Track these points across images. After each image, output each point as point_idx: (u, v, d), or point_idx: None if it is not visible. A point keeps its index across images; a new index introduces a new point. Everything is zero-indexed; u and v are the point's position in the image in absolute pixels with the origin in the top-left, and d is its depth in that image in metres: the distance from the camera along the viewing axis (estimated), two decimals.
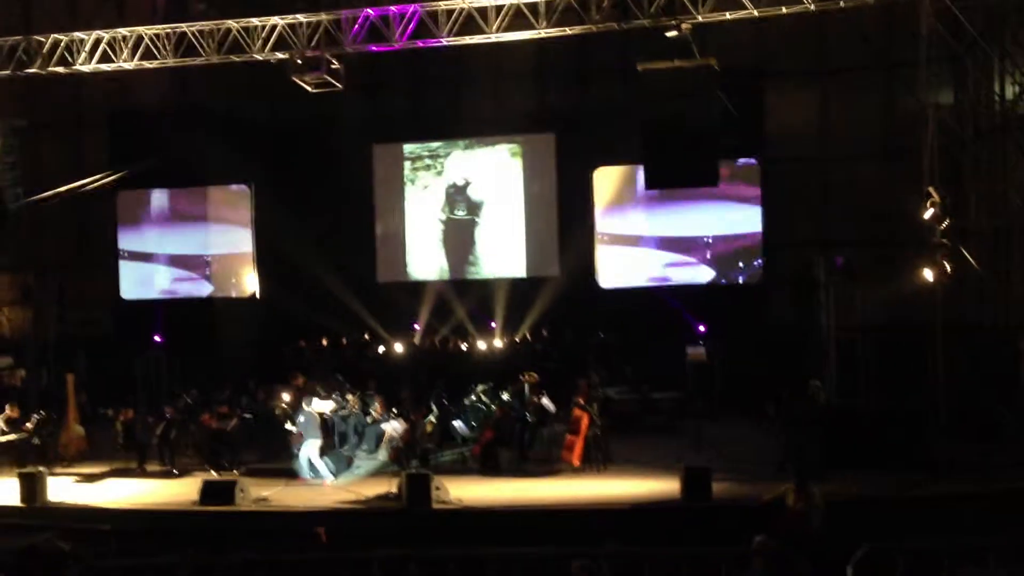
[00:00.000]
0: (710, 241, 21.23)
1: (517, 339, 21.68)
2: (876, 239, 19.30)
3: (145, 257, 23.80)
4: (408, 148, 23.02)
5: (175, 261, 23.71)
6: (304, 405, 15.44)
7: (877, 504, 12.28)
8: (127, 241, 23.84)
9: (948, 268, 14.78)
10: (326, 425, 15.83)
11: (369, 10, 16.55)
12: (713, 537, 9.68)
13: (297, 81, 16.97)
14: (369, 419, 16.36)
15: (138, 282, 23.86)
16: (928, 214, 14.85)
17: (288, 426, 15.75)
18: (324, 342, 22.14)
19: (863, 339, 16.39)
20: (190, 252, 23.66)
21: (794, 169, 20.86)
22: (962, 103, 17.81)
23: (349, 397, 16.76)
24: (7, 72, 18.12)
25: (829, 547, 8.16)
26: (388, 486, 13.98)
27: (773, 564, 6.94)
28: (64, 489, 14.84)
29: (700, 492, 12.61)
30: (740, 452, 15.33)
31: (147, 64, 17.68)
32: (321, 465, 15.08)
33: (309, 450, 15.08)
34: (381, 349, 21.91)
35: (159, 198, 23.81)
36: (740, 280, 21.17)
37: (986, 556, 6.56)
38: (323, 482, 14.94)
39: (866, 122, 20.68)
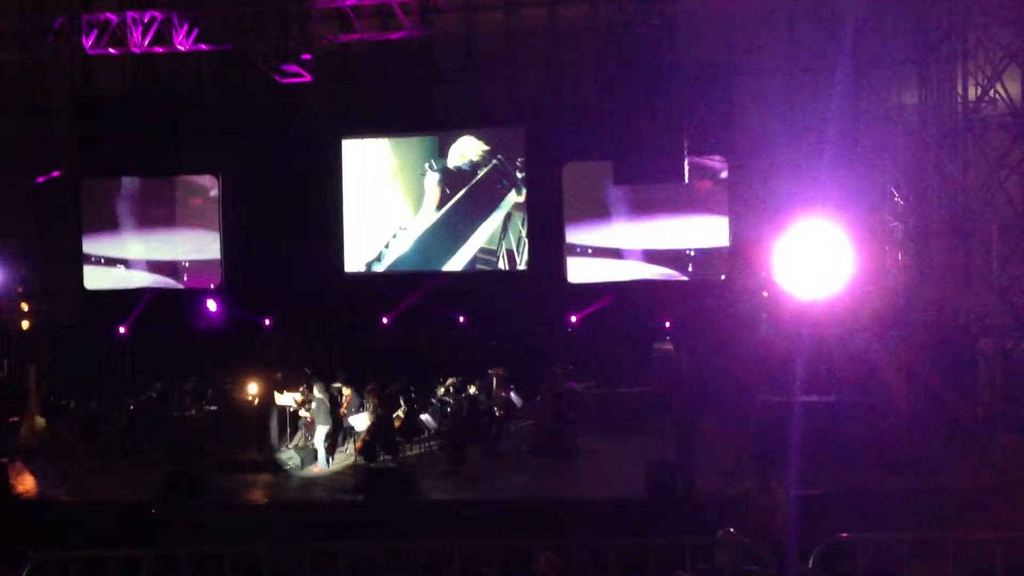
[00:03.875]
0: (692, 254, 21.34)
1: (485, 333, 21.69)
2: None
3: (114, 262, 23.49)
4: (378, 139, 22.91)
5: (148, 266, 23.40)
6: (274, 397, 15.42)
7: (839, 498, 12.44)
8: (95, 246, 23.51)
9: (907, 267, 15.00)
10: (335, 410, 15.83)
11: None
12: (678, 531, 9.76)
13: (266, 70, 16.86)
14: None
15: (105, 279, 23.57)
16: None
17: (302, 413, 15.69)
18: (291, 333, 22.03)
19: (827, 335, 16.55)
20: (162, 258, 23.37)
21: (761, 164, 21.01)
22: (926, 104, 18.03)
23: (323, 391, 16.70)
24: None
25: (792, 540, 8.27)
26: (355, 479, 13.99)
27: (737, 556, 7.02)
28: (25, 481, 14.67)
29: (664, 486, 12.71)
30: (706, 446, 15.45)
31: (113, 51, 17.48)
32: (322, 451, 15.18)
33: (319, 435, 15.16)
34: (349, 342, 21.83)
35: (126, 199, 23.44)
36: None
37: (945, 549, 6.67)
38: (316, 467, 15.08)
39: (833, 119, 20.86)
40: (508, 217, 22.21)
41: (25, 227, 23.71)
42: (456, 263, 22.49)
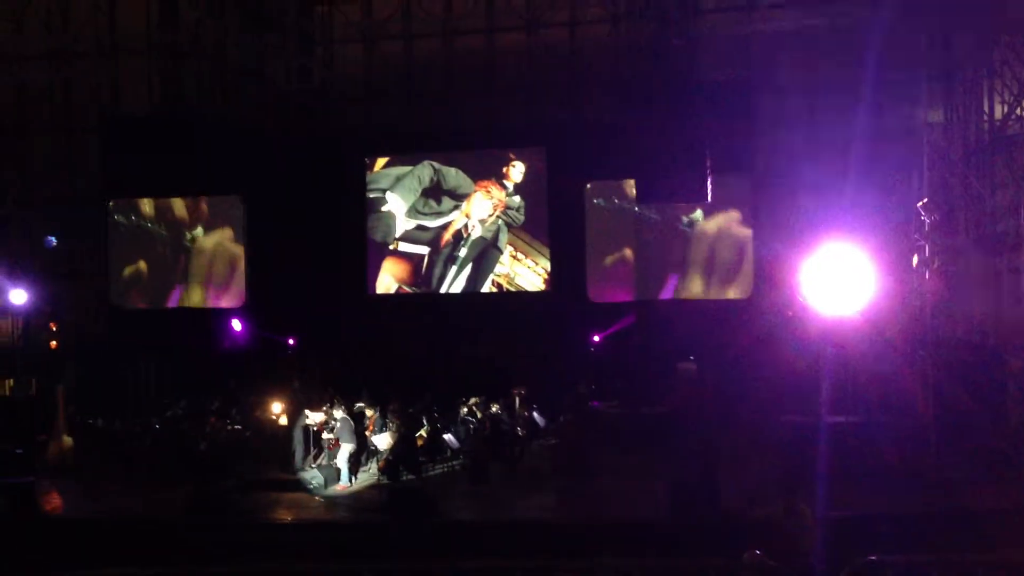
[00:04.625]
0: (714, 281, 21.27)
1: (508, 353, 21.65)
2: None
3: (141, 286, 23.71)
4: (400, 159, 22.98)
5: (175, 294, 23.58)
6: (299, 416, 15.48)
7: (867, 520, 12.29)
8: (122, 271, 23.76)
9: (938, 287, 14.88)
10: (361, 430, 15.85)
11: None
12: (702, 552, 9.67)
13: (288, 90, 17.03)
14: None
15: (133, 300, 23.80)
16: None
17: (325, 435, 15.75)
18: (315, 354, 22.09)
19: (853, 355, 16.40)
20: (189, 284, 23.54)
21: (785, 182, 20.92)
22: (951, 122, 17.93)
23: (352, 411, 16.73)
24: None
25: (819, 562, 8.18)
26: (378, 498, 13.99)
27: None
28: (52, 500, 14.76)
29: (688, 507, 12.60)
30: (730, 466, 15.33)
31: (139, 72, 17.74)
32: (345, 471, 15.24)
33: (343, 455, 15.21)
34: (372, 361, 21.84)
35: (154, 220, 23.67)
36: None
37: (974, 571, 6.59)
38: (340, 486, 15.12)
39: (858, 137, 20.75)
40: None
41: (54, 247, 23.96)
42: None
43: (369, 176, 22.86)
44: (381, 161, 22.89)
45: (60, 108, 23.75)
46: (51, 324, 21.83)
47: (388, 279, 22.86)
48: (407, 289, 22.75)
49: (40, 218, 22.92)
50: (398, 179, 22.71)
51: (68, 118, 24.04)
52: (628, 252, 21.69)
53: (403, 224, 22.73)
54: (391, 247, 22.77)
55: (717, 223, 21.08)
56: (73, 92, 22.93)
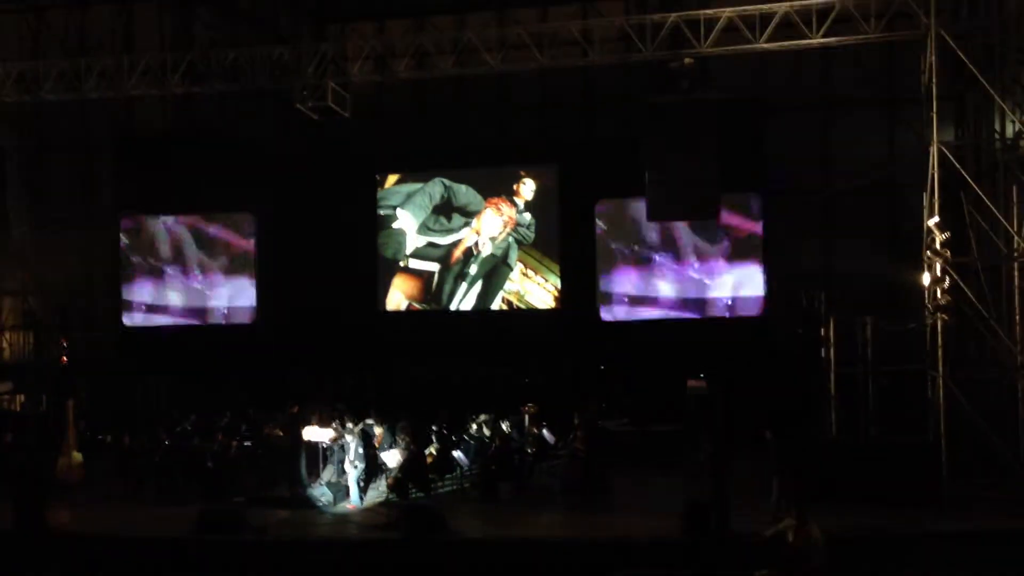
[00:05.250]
0: (731, 303, 21.19)
1: (518, 370, 21.63)
2: (880, 275, 19.26)
3: (154, 309, 23.74)
4: (411, 176, 23.03)
5: (188, 313, 23.58)
6: (303, 433, 15.47)
7: (876, 540, 12.22)
8: (134, 293, 23.83)
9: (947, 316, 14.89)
10: (371, 449, 15.86)
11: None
12: (713, 571, 9.64)
13: (301, 109, 17.12)
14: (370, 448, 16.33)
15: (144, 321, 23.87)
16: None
17: (334, 452, 15.72)
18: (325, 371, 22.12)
19: (865, 374, 16.34)
20: (201, 305, 23.58)
21: (796, 202, 20.91)
22: (963, 140, 17.89)
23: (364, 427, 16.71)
24: (15, 98, 18.30)
25: None
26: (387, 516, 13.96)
27: None
28: (61, 515, 14.77)
29: (701, 526, 12.54)
30: (742, 485, 15.25)
31: (154, 92, 17.88)
32: (354, 488, 15.20)
33: (351, 473, 15.19)
34: (381, 378, 21.86)
35: (166, 245, 23.72)
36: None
37: None
38: (349, 504, 15.09)
39: (867, 157, 20.76)
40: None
41: (65, 264, 24.09)
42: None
43: (380, 193, 22.91)
44: (392, 178, 22.95)
45: (75, 128, 23.94)
46: (62, 340, 21.88)
47: (399, 296, 22.86)
48: (417, 306, 22.75)
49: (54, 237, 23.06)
50: (409, 196, 22.76)
51: (83, 138, 24.24)
52: (637, 269, 21.67)
53: (414, 241, 22.75)
54: (401, 264, 22.80)
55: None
56: (87, 112, 23.11)
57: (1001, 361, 15.66)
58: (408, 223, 22.78)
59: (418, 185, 22.75)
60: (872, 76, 20.13)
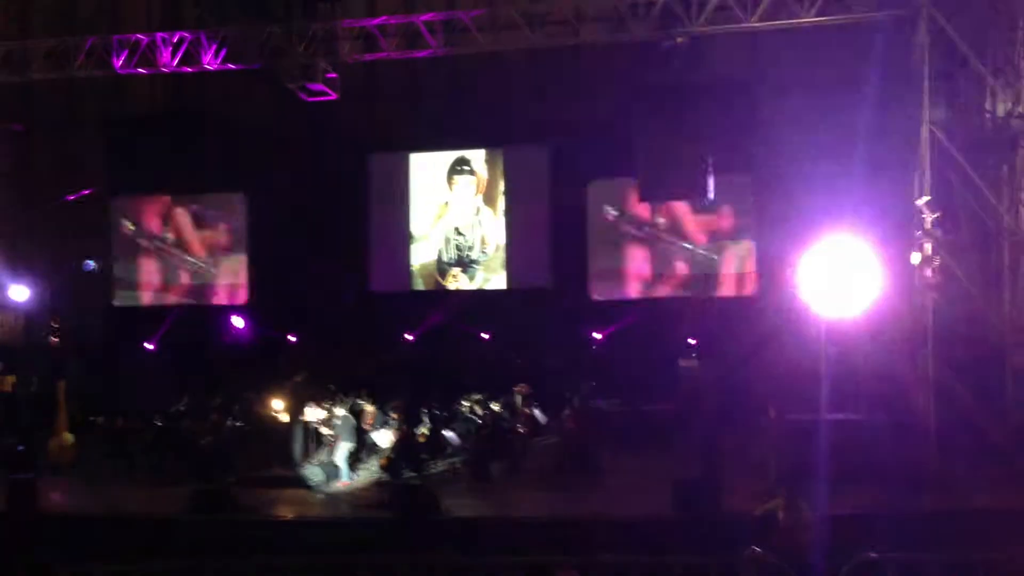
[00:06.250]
0: (721, 281, 21.27)
1: (509, 350, 21.67)
2: None
3: (146, 289, 23.70)
4: (402, 157, 23.00)
5: (179, 292, 23.55)
6: (299, 413, 15.51)
7: (867, 518, 12.30)
8: (126, 273, 23.76)
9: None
10: (360, 429, 15.84)
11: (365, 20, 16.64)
12: (704, 550, 9.68)
13: (292, 88, 17.03)
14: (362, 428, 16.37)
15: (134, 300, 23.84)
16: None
17: (323, 430, 15.75)
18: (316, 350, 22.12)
19: (855, 352, 16.40)
20: (193, 284, 23.55)
21: (787, 181, 20.89)
22: (953, 118, 17.89)
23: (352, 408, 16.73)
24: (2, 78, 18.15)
25: (819, 559, 8.18)
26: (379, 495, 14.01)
27: (763, 574, 6.95)
28: (52, 496, 14.77)
29: (691, 505, 12.61)
30: (732, 464, 15.32)
31: (142, 71, 17.75)
32: (345, 468, 15.24)
33: (341, 452, 15.20)
34: (373, 358, 21.87)
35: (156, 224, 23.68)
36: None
37: (975, 570, 6.59)
38: (341, 483, 15.13)
39: (859, 136, 20.73)
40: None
41: (55, 244, 23.98)
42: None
43: (370, 172, 22.88)
44: (383, 157, 22.91)
45: (63, 107, 23.78)
46: (52, 320, 21.82)
47: (392, 275, 22.89)
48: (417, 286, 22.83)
49: (43, 216, 22.94)
50: (400, 175, 22.74)
51: (71, 117, 24.07)
52: (630, 250, 21.70)
53: (404, 220, 22.75)
54: (395, 243, 22.81)
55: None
56: (76, 91, 22.94)
57: (991, 340, 15.74)
58: (400, 202, 22.81)
59: (411, 164, 22.79)
60: (865, 55, 20.07)
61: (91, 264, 22.50)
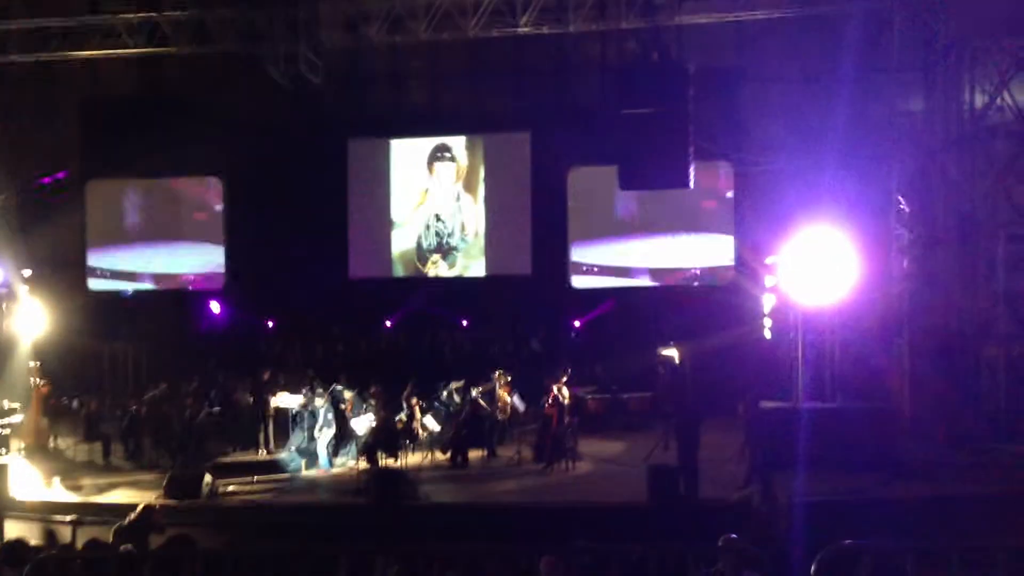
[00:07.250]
0: (698, 272, 21.32)
1: (488, 337, 21.68)
2: None
3: (120, 276, 23.48)
4: (383, 143, 22.91)
5: (154, 279, 23.36)
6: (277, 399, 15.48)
7: (842, 505, 12.39)
8: (100, 258, 23.53)
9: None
10: (341, 414, 15.80)
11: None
12: (680, 536, 9.72)
13: (273, 74, 16.88)
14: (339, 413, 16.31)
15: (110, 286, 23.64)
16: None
17: (304, 418, 15.68)
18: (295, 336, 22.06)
19: (832, 341, 16.50)
20: (167, 271, 23.36)
21: (765, 171, 20.95)
22: (931, 110, 17.99)
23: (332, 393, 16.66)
24: None
25: (795, 546, 8.23)
26: (356, 481, 13.99)
27: (739, 562, 6.98)
28: (26, 481, 14.65)
29: (667, 492, 12.66)
30: (710, 452, 15.39)
31: (119, 52, 17.54)
32: (323, 454, 15.21)
33: (321, 439, 15.17)
34: (352, 345, 21.83)
35: (131, 211, 23.45)
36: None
37: (949, 557, 6.63)
38: (319, 469, 15.10)
39: (837, 127, 20.81)
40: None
41: (30, 227, 23.66)
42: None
43: (351, 158, 22.77)
44: (364, 143, 22.80)
45: (38, 91, 23.45)
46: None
47: (372, 261, 22.82)
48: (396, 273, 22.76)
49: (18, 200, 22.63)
50: (381, 161, 22.66)
51: (46, 101, 23.73)
52: (608, 238, 21.72)
53: (385, 207, 22.67)
54: (375, 229, 22.74)
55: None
56: (51, 74, 22.62)
57: (967, 331, 15.88)
58: (381, 189, 22.72)
59: (391, 150, 22.70)
60: (844, 46, 20.13)
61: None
